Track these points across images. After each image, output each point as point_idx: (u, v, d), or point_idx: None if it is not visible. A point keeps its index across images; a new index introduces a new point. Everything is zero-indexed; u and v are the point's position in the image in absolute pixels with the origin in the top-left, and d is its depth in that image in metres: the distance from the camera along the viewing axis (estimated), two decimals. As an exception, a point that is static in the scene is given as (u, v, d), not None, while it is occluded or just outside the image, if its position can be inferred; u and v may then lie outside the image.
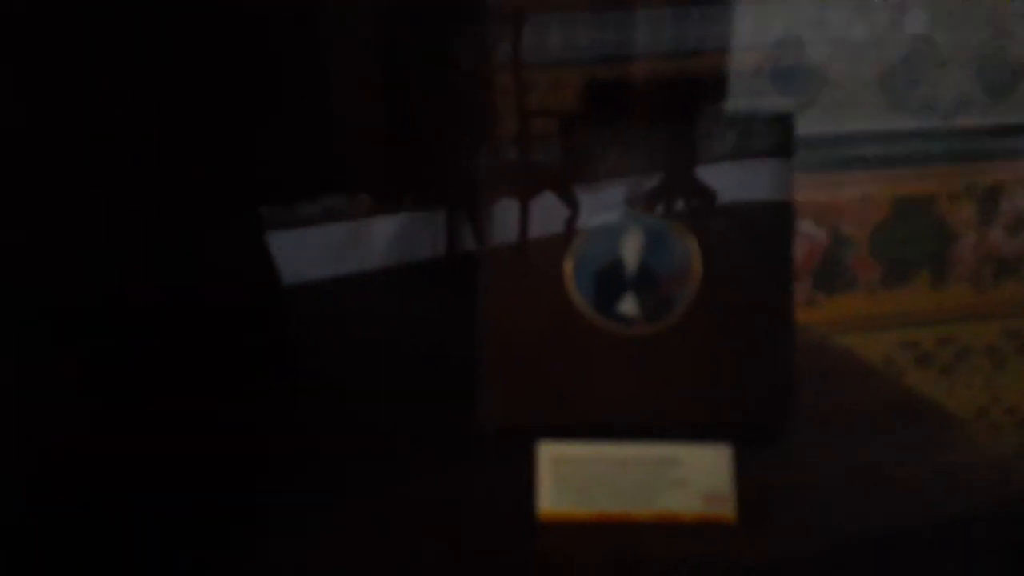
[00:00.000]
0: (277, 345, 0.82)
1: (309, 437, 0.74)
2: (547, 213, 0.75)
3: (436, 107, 0.99)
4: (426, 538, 0.65)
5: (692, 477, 0.67)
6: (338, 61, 0.96)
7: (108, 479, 0.66)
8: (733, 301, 0.75)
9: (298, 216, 1.01)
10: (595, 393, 0.74)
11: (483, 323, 0.74)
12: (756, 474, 0.67)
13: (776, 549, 0.65)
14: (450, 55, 0.98)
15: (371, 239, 1.03)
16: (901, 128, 1.26)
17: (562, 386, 0.74)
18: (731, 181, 0.77)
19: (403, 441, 0.74)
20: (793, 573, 0.65)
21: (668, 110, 0.77)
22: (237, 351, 0.77)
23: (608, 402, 0.73)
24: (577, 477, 0.67)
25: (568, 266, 0.75)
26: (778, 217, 0.76)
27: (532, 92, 1.02)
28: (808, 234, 1.26)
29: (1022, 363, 1.41)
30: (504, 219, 0.75)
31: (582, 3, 1.05)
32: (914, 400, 0.83)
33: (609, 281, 0.75)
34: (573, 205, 0.75)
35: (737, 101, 1.15)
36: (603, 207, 0.75)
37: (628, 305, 0.75)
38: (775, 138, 0.76)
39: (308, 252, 0.99)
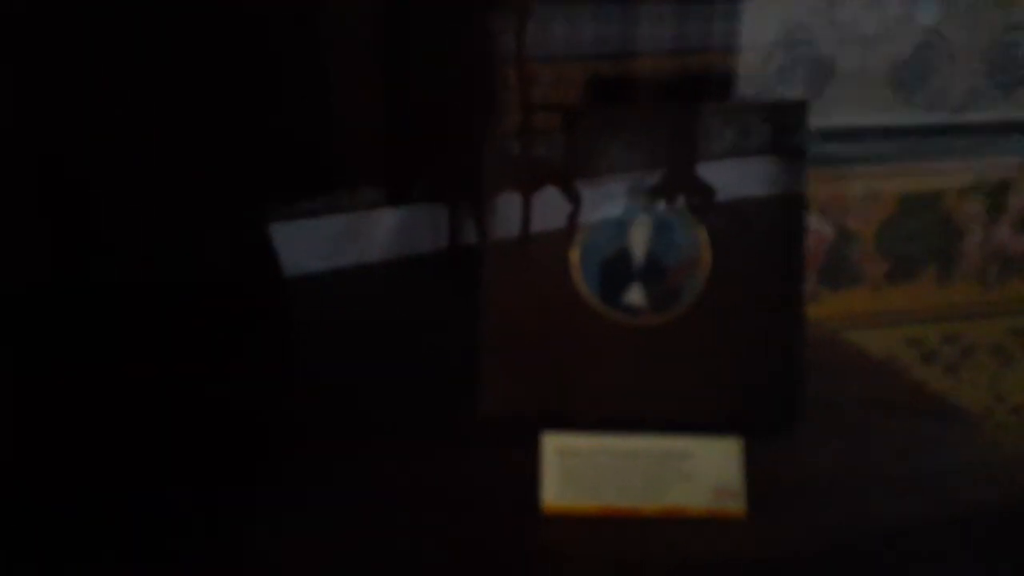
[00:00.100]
0: (278, 335, 0.81)
1: (310, 427, 0.73)
2: (549, 207, 0.74)
3: (438, 102, 0.98)
4: (428, 531, 0.64)
5: (700, 470, 0.65)
6: (339, 56, 0.95)
7: (103, 467, 0.65)
8: (742, 292, 0.74)
9: (299, 208, 1.01)
10: (601, 384, 0.73)
11: (487, 313, 0.73)
12: (766, 468, 0.66)
13: (786, 544, 0.64)
14: (453, 49, 0.97)
15: (372, 231, 1.03)
16: (910, 123, 1.25)
17: (567, 377, 0.73)
18: (742, 174, 0.76)
19: (407, 432, 0.73)
20: (803, 568, 0.64)
21: (673, 105, 0.76)
22: (237, 341, 0.76)
23: (614, 394, 0.72)
24: (582, 470, 0.65)
25: (574, 255, 0.74)
26: (789, 208, 0.75)
27: (535, 86, 1.01)
28: (813, 229, 1.25)
29: (1028, 362, 1.40)
30: (506, 213, 0.74)
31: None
32: (926, 396, 0.82)
33: (616, 271, 0.74)
34: (575, 200, 0.74)
35: (744, 93, 1.14)
36: (605, 202, 0.74)
37: (635, 295, 0.74)
38: (788, 128, 0.75)
39: (309, 243, 0.98)
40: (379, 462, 0.70)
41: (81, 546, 0.60)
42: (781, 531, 0.64)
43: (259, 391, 0.74)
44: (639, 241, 0.74)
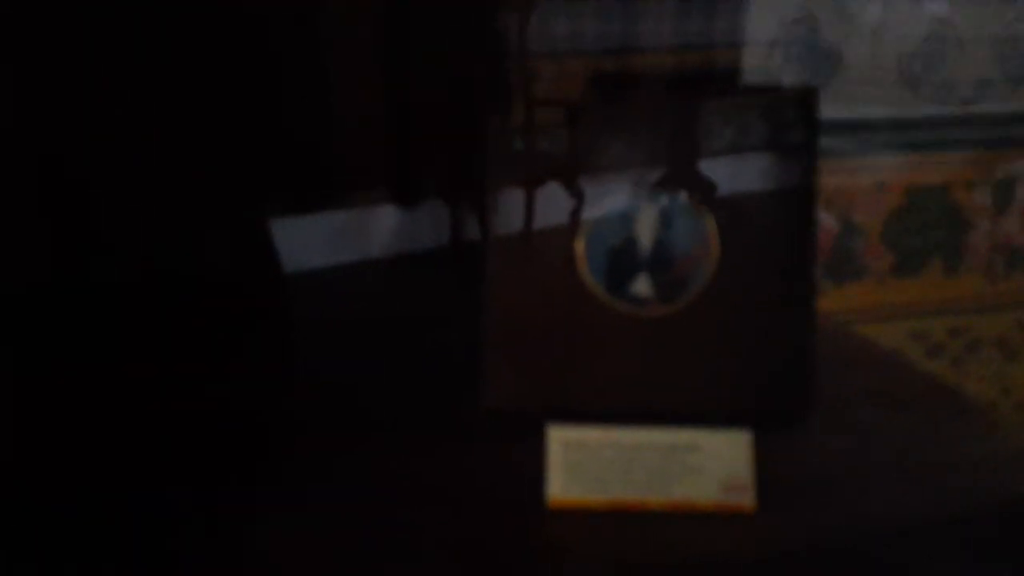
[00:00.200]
0: (278, 333, 0.80)
1: (312, 424, 0.72)
2: (552, 203, 0.74)
3: (440, 99, 0.98)
4: (432, 526, 0.63)
5: (709, 464, 0.64)
6: (339, 55, 0.95)
7: (103, 467, 0.64)
8: (751, 282, 0.73)
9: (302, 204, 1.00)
10: (607, 376, 0.71)
11: (491, 305, 0.72)
12: (776, 461, 0.65)
13: (796, 539, 0.63)
14: (454, 45, 0.97)
15: (375, 227, 1.02)
16: (917, 114, 1.24)
17: (573, 369, 0.72)
18: (750, 162, 0.75)
19: (410, 428, 0.72)
20: (813, 564, 0.63)
21: (680, 94, 0.76)
22: (238, 340, 0.75)
23: (620, 386, 0.71)
24: (588, 463, 0.64)
25: (580, 245, 0.73)
26: (800, 198, 0.74)
27: (538, 82, 1.01)
28: (818, 222, 1.24)
29: (1034, 356, 1.39)
30: (510, 209, 0.74)
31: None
32: (938, 389, 0.81)
33: (622, 261, 0.73)
34: (578, 195, 0.73)
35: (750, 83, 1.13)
36: (610, 195, 0.73)
37: (641, 285, 0.73)
38: (798, 115, 0.74)
39: (311, 239, 0.98)
40: (382, 458, 0.69)
41: (81, 546, 0.59)
42: (791, 526, 0.63)
43: (260, 389, 0.74)
44: (646, 230, 0.73)
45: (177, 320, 0.72)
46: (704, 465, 0.64)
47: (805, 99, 0.74)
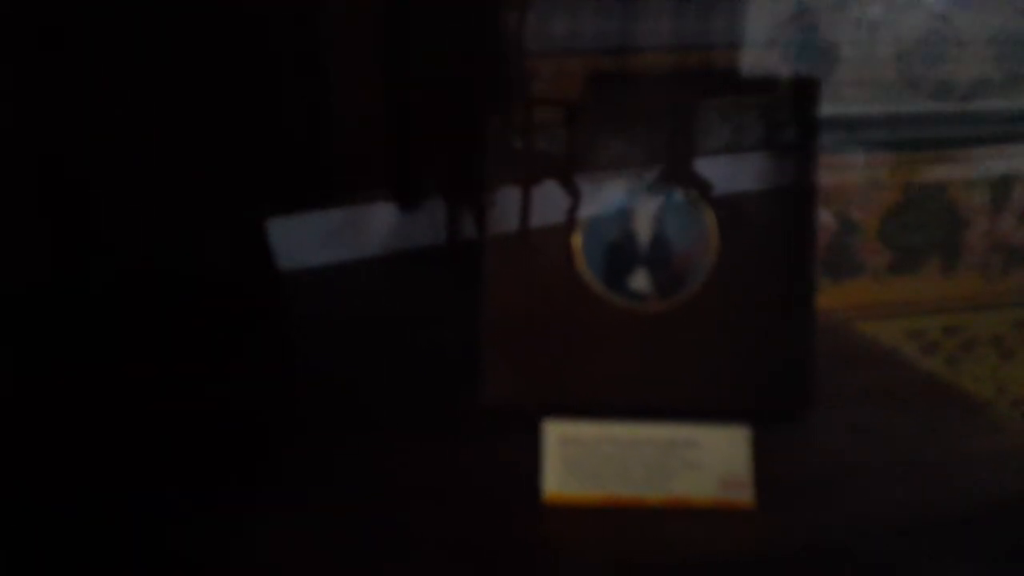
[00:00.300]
0: (276, 332, 0.82)
1: (310, 422, 0.72)
2: (550, 202, 0.73)
3: (439, 98, 0.98)
4: (429, 522, 0.62)
5: (708, 460, 0.63)
6: (338, 55, 0.95)
7: (102, 467, 0.64)
8: (750, 278, 0.72)
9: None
10: (605, 372, 0.71)
11: (489, 300, 0.71)
12: (775, 458, 0.64)
13: (795, 536, 0.62)
14: (453, 44, 0.97)
15: (372, 225, 1.02)
16: (915, 111, 1.23)
17: (570, 365, 0.71)
18: (750, 159, 0.75)
19: (408, 424, 0.72)
20: (813, 561, 0.62)
21: (676, 99, 0.75)
22: (236, 339, 0.76)
23: (619, 381, 0.70)
24: (585, 458, 0.64)
25: (577, 239, 0.73)
26: (800, 192, 0.74)
27: (536, 81, 1.02)
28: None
29: (1030, 355, 1.39)
30: (507, 207, 0.74)
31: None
32: (938, 385, 0.81)
33: (620, 256, 0.73)
34: (576, 194, 0.73)
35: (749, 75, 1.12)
36: (608, 192, 0.73)
37: (640, 281, 0.72)
38: (799, 105, 0.73)
39: (309, 237, 0.98)
40: (380, 456, 0.68)
41: (81, 546, 0.59)
42: (790, 523, 0.63)
43: (257, 388, 0.74)
44: (644, 225, 0.73)
45: (176, 320, 0.73)
46: (702, 461, 0.63)
47: (806, 91, 0.73)
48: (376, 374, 0.78)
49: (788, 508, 0.63)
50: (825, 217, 1.24)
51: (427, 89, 0.98)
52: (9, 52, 0.68)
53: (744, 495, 0.63)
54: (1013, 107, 1.26)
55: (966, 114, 1.25)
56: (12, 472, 0.63)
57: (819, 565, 0.62)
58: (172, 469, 0.64)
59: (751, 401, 0.69)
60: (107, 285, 0.73)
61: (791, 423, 0.70)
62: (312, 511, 0.62)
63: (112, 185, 0.73)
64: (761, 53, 1.15)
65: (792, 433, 0.70)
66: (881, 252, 1.29)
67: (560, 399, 0.68)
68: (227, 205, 0.81)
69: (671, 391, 0.69)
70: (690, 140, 0.73)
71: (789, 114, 0.74)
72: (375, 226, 1.02)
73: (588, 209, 0.73)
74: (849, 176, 1.25)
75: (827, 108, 1.15)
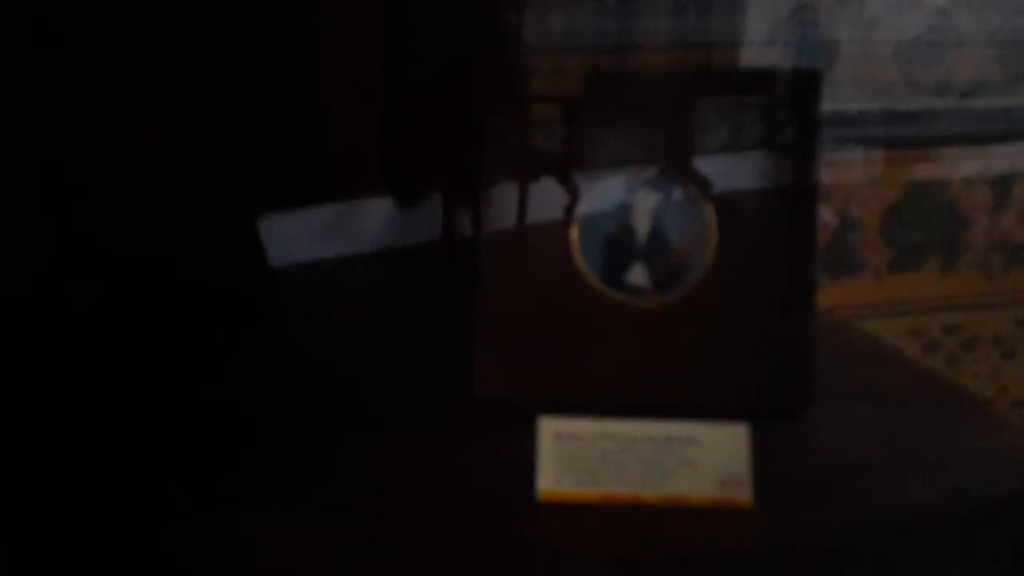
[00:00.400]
0: (270, 329, 0.82)
1: (307, 417, 0.71)
2: (547, 199, 0.73)
3: (436, 95, 0.98)
4: (425, 519, 0.61)
5: (706, 458, 0.62)
6: (335, 52, 0.94)
7: (98, 465, 0.64)
8: (750, 274, 0.71)
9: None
10: (601, 367, 0.70)
11: (486, 295, 0.71)
12: (774, 456, 0.63)
13: (794, 536, 0.61)
14: (450, 41, 0.97)
15: (368, 221, 1.01)
16: (916, 107, 1.22)
17: (567, 359, 0.70)
18: (751, 156, 0.74)
19: (403, 420, 0.71)
20: (812, 561, 0.61)
21: (675, 95, 0.75)
22: (230, 337, 0.76)
23: (616, 377, 0.70)
24: (581, 456, 0.63)
25: (574, 234, 0.72)
26: (801, 186, 0.73)
27: (534, 77, 1.02)
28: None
29: (1031, 354, 1.38)
30: (505, 203, 0.73)
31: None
32: (939, 384, 0.81)
33: (618, 249, 0.72)
34: (574, 191, 0.72)
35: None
36: (606, 189, 0.72)
37: (637, 275, 0.71)
38: (802, 98, 0.72)
39: (304, 232, 0.97)
40: (379, 454, 0.67)
41: (79, 546, 0.58)
42: (789, 522, 0.62)
43: (254, 387, 0.74)
44: (642, 219, 0.72)
45: (174, 319, 0.73)
46: (700, 459, 0.63)
47: (807, 85, 0.73)
48: (374, 372, 0.78)
49: (788, 507, 0.62)
50: (826, 215, 1.24)
51: (425, 86, 0.98)
52: (4, 51, 0.68)
53: (743, 494, 0.62)
54: (1013, 104, 1.25)
55: (966, 111, 1.24)
56: (11, 472, 0.63)
57: (819, 565, 0.61)
58: (169, 469, 0.63)
59: (750, 399, 0.69)
60: (105, 285, 0.73)
61: (790, 422, 0.69)
62: (310, 510, 0.62)
63: (108, 184, 0.74)
64: (760, 50, 1.14)
65: (791, 432, 0.69)
66: (881, 250, 1.28)
67: (556, 394, 0.68)
68: (224, 203, 0.81)
69: (669, 388, 0.68)
70: (689, 138, 0.73)
71: (790, 110, 0.73)
72: (372, 222, 1.01)
73: (586, 205, 0.72)
74: (849, 173, 1.24)
75: (827, 105, 1.15)
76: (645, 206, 0.72)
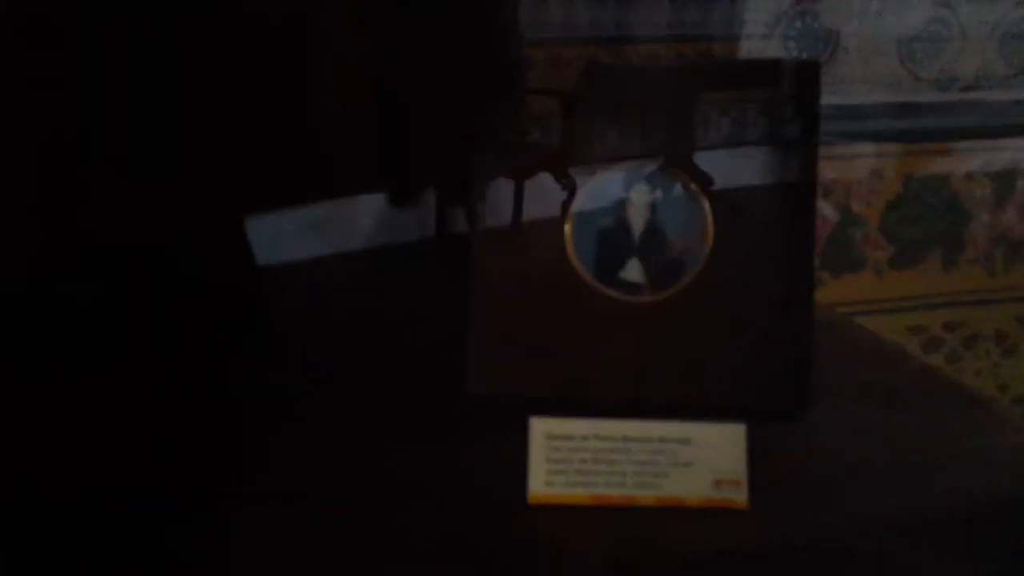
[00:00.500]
0: (264, 323, 0.82)
1: (298, 414, 0.71)
2: (543, 194, 0.72)
3: (430, 90, 0.97)
4: (419, 520, 0.61)
5: (701, 459, 0.61)
6: (328, 47, 0.94)
7: (100, 461, 0.64)
8: (747, 270, 0.70)
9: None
10: (596, 365, 0.69)
11: (478, 292, 0.70)
12: (770, 456, 0.62)
13: (791, 537, 0.60)
14: (445, 34, 0.95)
15: (360, 218, 1.00)
16: (917, 100, 1.21)
17: (560, 356, 0.69)
18: (749, 151, 0.73)
19: (396, 419, 0.71)
20: (809, 563, 0.60)
21: (674, 88, 0.74)
22: (228, 331, 0.77)
23: (610, 375, 0.68)
24: (573, 457, 0.62)
25: (567, 228, 0.71)
26: (799, 179, 0.72)
27: (529, 70, 1.01)
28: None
29: (1033, 350, 1.37)
30: (499, 198, 0.72)
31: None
32: (940, 382, 0.80)
33: (612, 245, 0.71)
34: (569, 186, 0.71)
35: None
36: (598, 181, 0.71)
37: (632, 271, 0.70)
38: (800, 89, 0.71)
39: (295, 229, 0.96)
40: (377, 453, 0.67)
41: (79, 546, 0.58)
42: (789, 522, 0.61)
43: (248, 386, 0.73)
44: (638, 213, 0.71)
45: (169, 319, 0.74)
46: (695, 459, 0.61)
47: (806, 75, 0.71)
48: (370, 371, 0.77)
49: (787, 507, 0.61)
50: (826, 210, 1.23)
51: (418, 80, 0.97)
52: (3, 51, 0.69)
53: (738, 495, 0.61)
54: (1016, 98, 1.24)
55: (968, 104, 1.22)
56: (11, 472, 0.63)
57: (819, 565, 0.61)
58: (169, 469, 0.63)
59: (748, 398, 0.68)
60: (103, 285, 0.73)
61: (789, 421, 0.69)
62: (308, 510, 0.61)
63: (105, 184, 0.74)
64: (761, 43, 1.13)
65: (791, 431, 0.68)
66: (882, 246, 1.27)
67: (550, 393, 0.67)
68: (219, 202, 0.82)
69: (665, 387, 0.68)
70: (688, 131, 0.72)
71: (789, 102, 0.72)
72: (365, 219, 1.00)
73: (581, 200, 0.71)
74: (850, 168, 1.23)
75: (826, 98, 1.14)
76: (641, 202, 0.71)
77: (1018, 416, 1.31)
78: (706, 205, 0.71)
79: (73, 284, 0.73)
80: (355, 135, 0.98)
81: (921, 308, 1.31)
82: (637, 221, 0.71)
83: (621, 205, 0.71)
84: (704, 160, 0.72)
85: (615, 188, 0.71)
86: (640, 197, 0.71)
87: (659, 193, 0.71)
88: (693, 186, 0.71)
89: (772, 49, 1.13)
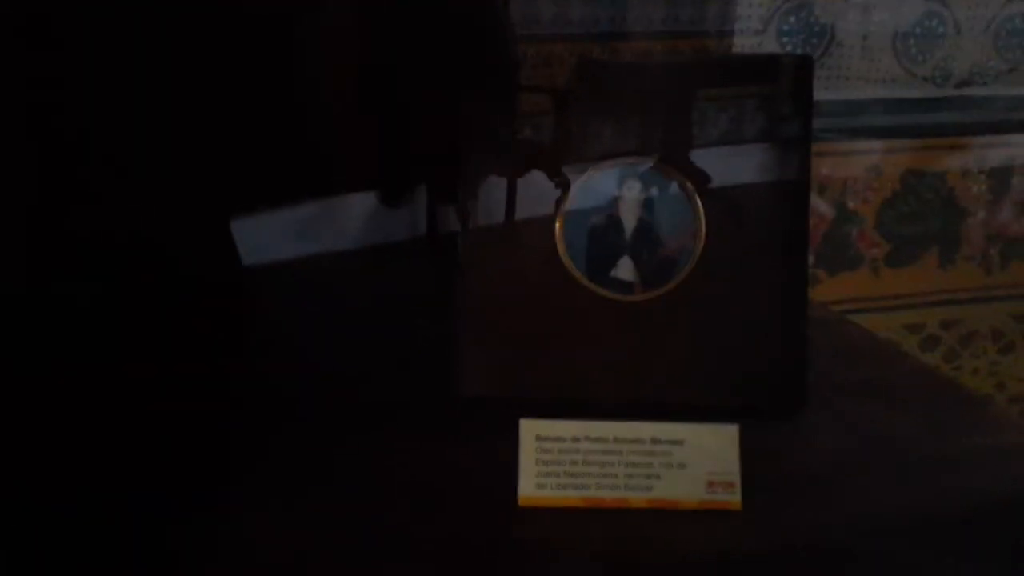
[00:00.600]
0: (249, 322, 0.82)
1: (283, 414, 0.70)
2: (535, 192, 0.71)
3: (421, 85, 0.96)
4: (416, 520, 0.60)
5: (694, 460, 0.60)
6: (317, 44, 0.93)
7: (99, 461, 0.64)
8: (741, 268, 0.69)
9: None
10: (587, 364, 0.68)
11: (468, 291, 0.69)
12: (764, 457, 0.62)
13: (785, 540, 0.60)
14: (435, 30, 0.95)
15: (351, 217, 1.00)
16: (911, 96, 1.20)
17: (550, 358, 0.68)
18: (741, 147, 0.73)
19: (386, 421, 0.70)
20: (804, 565, 0.60)
21: (668, 85, 0.74)
22: (212, 328, 0.77)
23: (602, 375, 0.67)
24: (564, 459, 0.61)
25: (558, 226, 0.70)
26: (793, 176, 0.71)
27: (521, 66, 1.00)
28: (811, 207, 1.20)
29: (1030, 348, 1.36)
30: (490, 196, 0.72)
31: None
32: (937, 381, 0.79)
33: (604, 242, 0.69)
34: (561, 184, 0.70)
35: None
36: (589, 177, 0.70)
37: (624, 270, 0.69)
38: (793, 84, 0.70)
39: (284, 229, 0.95)
40: (376, 453, 0.66)
41: (79, 546, 0.58)
42: (780, 525, 0.60)
43: (236, 385, 0.73)
44: (629, 210, 0.70)
45: (165, 319, 0.74)
46: (688, 461, 0.60)
47: (799, 70, 0.70)
48: (365, 372, 0.76)
49: (777, 510, 0.61)
50: (822, 207, 1.22)
51: (409, 78, 0.96)
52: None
53: (732, 497, 0.60)
54: (1011, 94, 1.23)
55: (963, 99, 1.22)
56: (11, 472, 0.63)
57: (818, 565, 0.60)
58: (169, 469, 0.63)
59: (743, 398, 0.67)
60: (103, 285, 0.73)
61: (784, 421, 0.68)
62: (303, 511, 0.61)
63: (103, 183, 0.74)
64: (755, 39, 1.12)
65: (787, 431, 0.67)
66: (878, 243, 1.26)
67: (541, 393, 0.66)
68: (212, 202, 0.82)
69: (659, 387, 0.67)
70: (683, 128, 0.71)
71: (782, 98, 0.71)
72: (357, 218, 0.99)
73: (573, 197, 0.70)
74: (845, 164, 1.22)
75: (821, 94, 1.13)
76: (632, 199, 0.70)
77: (1015, 415, 1.31)
78: (699, 203, 0.70)
79: (72, 284, 0.73)
80: (347, 134, 0.97)
81: (918, 306, 1.31)
82: (629, 219, 0.70)
83: (613, 203, 0.70)
84: (696, 157, 0.71)
85: (607, 186, 0.70)
86: (632, 195, 0.70)
87: (652, 191, 0.70)
88: (686, 183, 0.70)
89: (767, 45, 1.13)
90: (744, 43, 1.12)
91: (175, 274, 0.76)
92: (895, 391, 0.75)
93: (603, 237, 0.69)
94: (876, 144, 1.22)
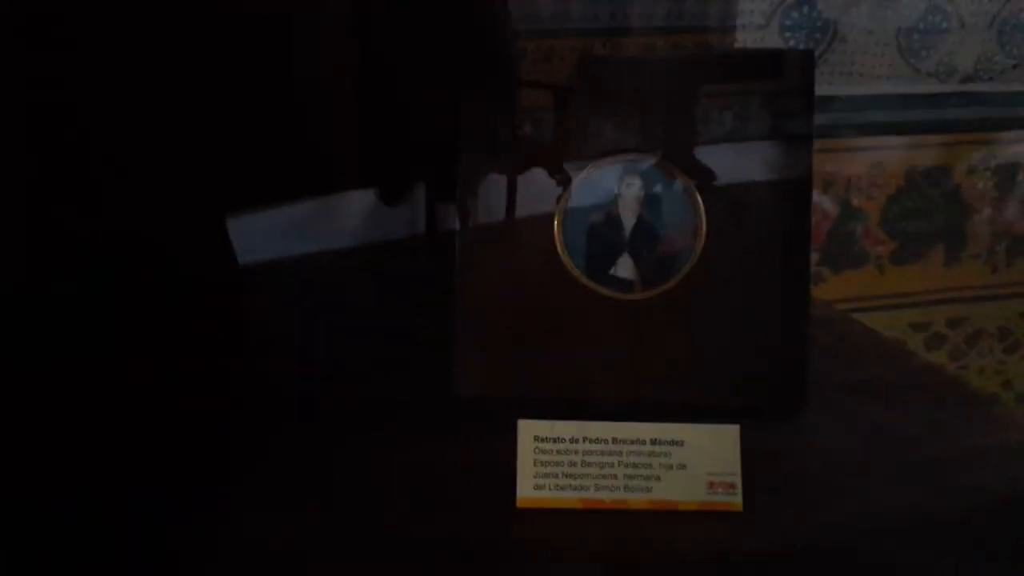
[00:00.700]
0: (248, 322, 0.82)
1: (281, 414, 0.70)
2: (535, 189, 0.71)
3: (420, 82, 0.96)
4: (415, 520, 0.60)
5: (694, 461, 0.60)
6: (313, 41, 0.93)
7: (99, 461, 0.64)
8: (742, 266, 0.69)
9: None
10: (586, 364, 0.67)
11: (466, 290, 0.69)
12: (765, 458, 0.61)
13: (786, 541, 0.59)
14: (434, 26, 0.94)
15: (347, 215, 1.00)
16: (916, 91, 1.19)
17: (549, 358, 0.68)
18: (742, 144, 0.72)
19: (393, 418, 0.70)
20: (805, 567, 0.59)
21: (669, 84, 0.74)
22: (210, 328, 0.76)
23: (603, 374, 0.67)
24: (562, 459, 0.60)
25: (557, 223, 0.69)
26: (794, 173, 0.70)
27: (521, 62, 1.00)
28: (815, 204, 1.20)
29: (1037, 346, 1.35)
30: (491, 197, 0.71)
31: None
32: (943, 379, 0.78)
33: (603, 240, 0.69)
34: (562, 181, 0.70)
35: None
36: (588, 174, 0.70)
37: (623, 268, 0.69)
38: (794, 79, 0.69)
39: (282, 228, 0.95)
40: (370, 452, 0.66)
41: (78, 546, 0.58)
42: (780, 526, 0.60)
43: (235, 385, 0.73)
44: (628, 207, 0.69)
45: (167, 319, 0.73)
46: (689, 462, 0.60)
47: (802, 65, 0.70)
48: (364, 371, 0.76)
49: (778, 511, 0.60)
50: (826, 204, 1.21)
51: (407, 74, 0.95)
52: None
53: (733, 498, 0.59)
54: (1016, 90, 1.22)
55: (967, 95, 1.21)
56: (11, 472, 0.63)
57: (818, 565, 0.59)
58: (169, 469, 0.63)
59: (744, 397, 0.66)
60: (101, 284, 0.73)
61: (785, 421, 0.67)
62: (302, 511, 0.61)
63: (102, 183, 0.74)
64: (757, 33, 1.11)
65: (789, 430, 0.67)
66: (883, 241, 1.25)
67: (540, 393, 0.66)
68: (210, 201, 0.81)
69: (659, 386, 0.66)
70: (683, 125, 0.71)
71: (784, 93, 0.71)
72: (356, 216, 0.99)
73: (572, 194, 0.70)
74: (849, 161, 1.21)
75: (823, 89, 1.13)
76: (631, 196, 0.69)
77: (1021, 413, 1.30)
78: (700, 200, 0.69)
79: (71, 284, 0.73)
80: (345, 131, 0.97)
81: (923, 304, 1.30)
82: (628, 216, 0.69)
83: (612, 200, 0.69)
84: (696, 153, 0.71)
85: (606, 183, 0.69)
86: (631, 192, 0.69)
87: (652, 188, 0.69)
88: (686, 181, 0.69)
89: (769, 40, 1.12)
90: (747, 38, 1.11)
91: (175, 274, 0.76)
92: (898, 390, 0.74)
93: (603, 235, 0.69)
94: (880, 140, 1.21)
